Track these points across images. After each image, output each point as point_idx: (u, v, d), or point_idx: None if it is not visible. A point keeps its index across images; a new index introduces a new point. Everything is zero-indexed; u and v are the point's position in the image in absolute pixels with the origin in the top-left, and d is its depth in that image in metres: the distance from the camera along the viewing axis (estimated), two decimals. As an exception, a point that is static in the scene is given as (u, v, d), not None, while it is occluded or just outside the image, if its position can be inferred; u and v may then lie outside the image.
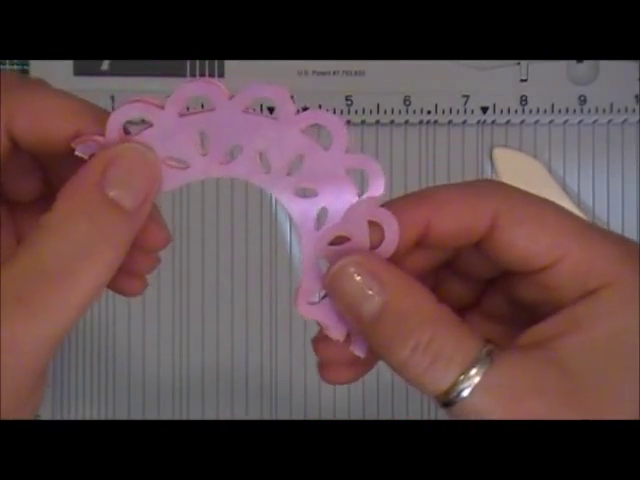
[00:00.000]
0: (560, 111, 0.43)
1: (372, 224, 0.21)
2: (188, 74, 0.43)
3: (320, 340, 0.23)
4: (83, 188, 0.20)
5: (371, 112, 0.43)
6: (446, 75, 0.43)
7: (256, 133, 0.21)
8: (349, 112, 0.43)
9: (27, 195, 0.24)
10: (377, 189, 0.21)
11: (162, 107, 0.21)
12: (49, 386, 0.43)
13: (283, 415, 0.43)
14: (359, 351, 0.22)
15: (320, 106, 0.43)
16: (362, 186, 0.22)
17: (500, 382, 0.19)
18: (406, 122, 0.44)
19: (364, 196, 0.21)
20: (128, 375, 0.43)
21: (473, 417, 0.19)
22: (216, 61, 0.43)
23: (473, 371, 0.19)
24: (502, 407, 0.19)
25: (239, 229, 0.44)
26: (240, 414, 0.43)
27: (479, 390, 0.19)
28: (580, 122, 0.44)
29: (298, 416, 0.42)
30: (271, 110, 0.43)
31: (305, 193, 0.21)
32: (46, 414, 0.42)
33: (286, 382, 0.42)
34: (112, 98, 0.43)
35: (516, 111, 0.43)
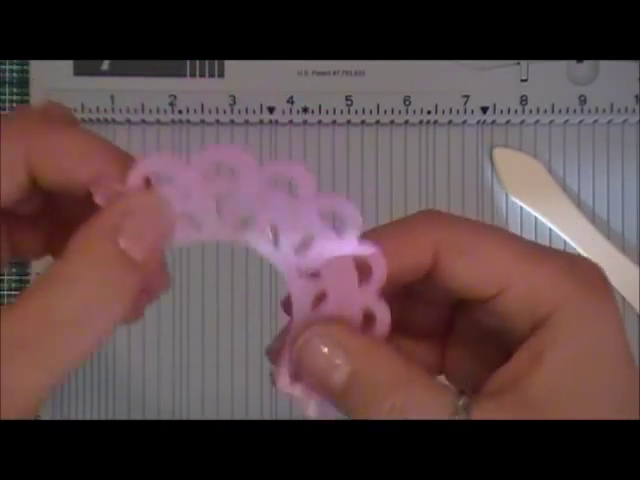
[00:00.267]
0: (560, 111, 0.43)
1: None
2: (188, 74, 0.43)
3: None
4: (97, 240, 0.20)
5: (371, 112, 0.43)
6: (446, 75, 0.43)
7: (273, 206, 0.21)
8: (349, 112, 0.43)
9: (26, 211, 0.24)
10: (380, 280, 0.21)
11: (186, 164, 0.21)
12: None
13: (283, 415, 0.43)
14: (330, 414, 0.21)
15: (320, 106, 0.43)
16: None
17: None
18: (406, 122, 0.44)
19: (365, 285, 0.21)
20: (128, 375, 0.43)
21: None
22: (216, 61, 0.43)
23: None
24: None
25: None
26: (240, 414, 0.43)
27: None
28: (580, 122, 0.44)
29: (298, 416, 0.42)
30: (271, 110, 0.43)
31: (308, 272, 0.22)
32: (46, 414, 0.42)
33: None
34: (112, 98, 0.43)
35: (516, 111, 0.43)
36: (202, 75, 0.43)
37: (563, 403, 0.20)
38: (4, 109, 0.43)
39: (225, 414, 0.43)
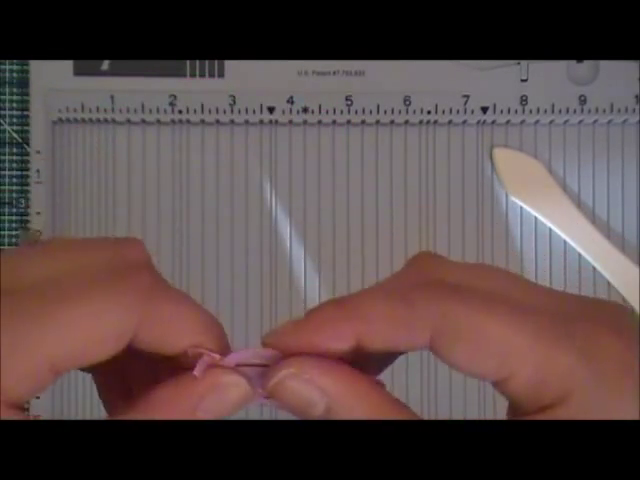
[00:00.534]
0: (560, 111, 0.43)
1: None
2: (188, 74, 0.43)
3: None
4: (178, 404, 0.20)
5: (371, 112, 0.43)
6: (446, 75, 0.43)
7: None
8: (349, 112, 0.43)
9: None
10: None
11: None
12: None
13: (283, 415, 0.43)
14: None
15: (320, 106, 0.43)
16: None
17: None
18: (406, 122, 0.44)
19: None
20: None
21: None
22: (216, 61, 0.43)
23: None
24: None
25: (239, 229, 0.44)
26: (240, 414, 0.43)
27: None
28: (580, 122, 0.44)
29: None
30: (271, 110, 0.43)
31: None
32: (46, 414, 0.42)
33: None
34: (112, 98, 0.43)
35: (516, 111, 0.43)
36: (202, 75, 0.43)
37: None
38: (4, 109, 0.43)
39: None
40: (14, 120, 0.43)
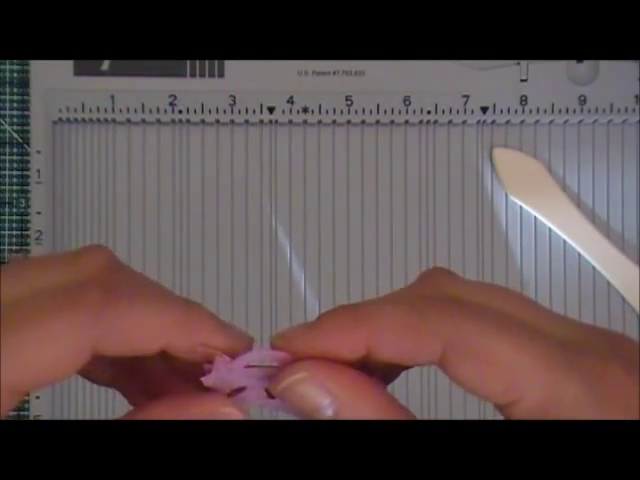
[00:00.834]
0: (560, 111, 0.43)
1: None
2: (188, 74, 0.43)
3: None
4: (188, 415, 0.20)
5: (371, 112, 0.43)
6: (446, 75, 0.43)
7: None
8: (349, 112, 0.43)
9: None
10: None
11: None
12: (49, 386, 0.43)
13: (283, 415, 0.43)
14: None
15: (320, 106, 0.43)
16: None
17: None
18: (406, 122, 0.44)
19: None
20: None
21: None
22: (216, 61, 0.43)
23: None
24: None
25: (239, 228, 0.44)
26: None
27: None
28: (580, 122, 0.44)
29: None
30: (271, 110, 0.43)
31: None
32: (46, 414, 0.42)
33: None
34: (112, 98, 0.43)
35: (516, 111, 0.43)
36: (202, 75, 0.43)
37: None
38: (4, 109, 0.43)
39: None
40: (14, 120, 0.43)
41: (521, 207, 0.44)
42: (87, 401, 0.43)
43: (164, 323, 0.20)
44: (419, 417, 0.21)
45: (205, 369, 0.21)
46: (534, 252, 0.44)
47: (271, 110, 0.43)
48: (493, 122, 0.44)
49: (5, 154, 0.43)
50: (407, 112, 0.43)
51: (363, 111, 0.43)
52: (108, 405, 0.43)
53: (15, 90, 0.43)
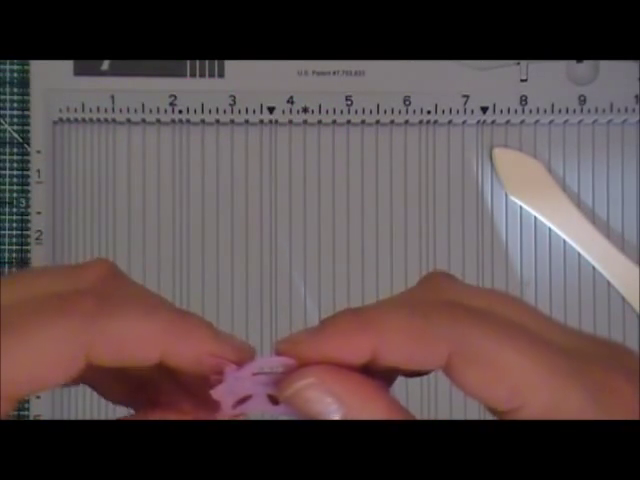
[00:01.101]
0: (560, 111, 0.43)
1: None
2: (188, 74, 0.43)
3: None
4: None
5: (371, 112, 0.43)
6: (446, 75, 0.43)
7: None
8: (349, 112, 0.43)
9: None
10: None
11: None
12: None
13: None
14: None
15: (320, 106, 0.43)
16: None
17: None
18: (406, 122, 0.44)
19: None
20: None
21: None
22: (216, 61, 0.43)
23: None
24: None
25: (239, 228, 0.44)
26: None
27: None
28: (580, 122, 0.44)
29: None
30: (271, 110, 0.43)
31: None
32: (46, 414, 0.42)
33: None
34: (112, 98, 0.43)
35: (516, 111, 0.43)
36: (202, 75, 0.43)
37: None
38: (4, 109, 0.43)
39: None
40: (14, 120, 0.43)
41: (521, 207, 0.44)
42: (87, 401, 0.43)
43: (159, 333, 0.20)
44: (419, 417, 0.21)
45: (212, 380, 0.21)
46: (534, 252, 0.44)
47: (271, 110, 0.43)
48: (493, 122, 0.44)
49: (5, 154, 0.43)
50: (407, 112, 0.43)
51: (363, 111, 0.43)
52: (108, 405, 0.43)
53: (15, 90, 0.43)
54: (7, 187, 0.44)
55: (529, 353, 0.19)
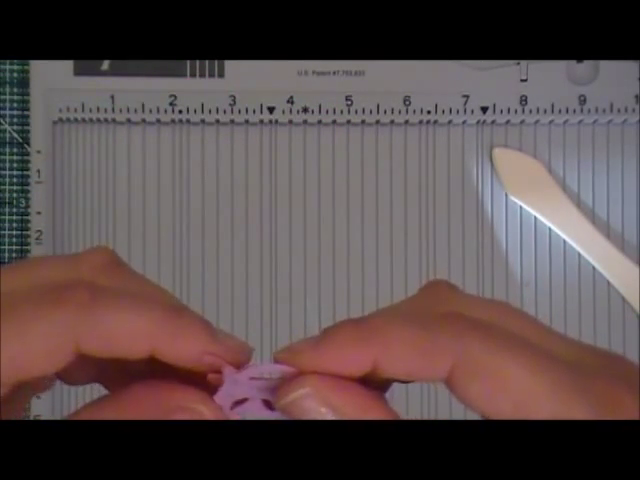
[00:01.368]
0: (560, 111, 0.43)
1: None
2: (188, 74, 0.43)
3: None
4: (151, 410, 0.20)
5: (371, 112, 0.43)
6: (446, 75, 0.43)
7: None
8: (349, 112, 0.43)
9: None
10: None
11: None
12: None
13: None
14: None
15: (320, 106, 0.43)
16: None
17: None
18: (406, 122, 0.44)
19: None
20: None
21: None
22: (216, 61, 0.43)
23: None
24: None
25: (239, 228, 0.44)
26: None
27: None
28: (580, 122, 0.44)
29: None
30: (271, 110, 0.43)
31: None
32: (46, 414, 0.42)
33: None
34: (112, 98, 0.43)
35: (516, 111, 0.43)
36: (202, 75, 0.43)
37: None
38: (4, 109, 0.43)
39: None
40: (14, 120, 0.44)
41: (521, 207, 0.44)
42: (87, 401, 0.43)
43: (150, 327, 0.20)
44: (419, 417, 0.21)
45: (210, 379, 0.21)
46: (534, 252, 0.44)
47: (271, 110, 0.43)
48: (493, 122, 0.44)
49: (5, 154, 0.43)
50: (407, 112, 0.43)
51: (363, 111, 0.43)
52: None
53: (15, 90, 0.43)
54: (7, 187, 0.44)
55: (532, 367, 0.19)
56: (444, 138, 0.44)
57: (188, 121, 0.43)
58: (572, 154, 0.44)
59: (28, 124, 0.43)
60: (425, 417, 0.42)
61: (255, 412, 0.21)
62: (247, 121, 0.43)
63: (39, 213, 0.43)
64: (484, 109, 0.43)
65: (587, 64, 0.43)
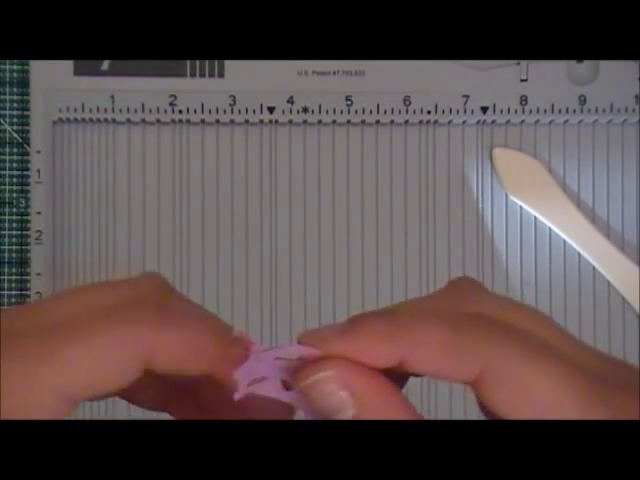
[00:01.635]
0: (560, 111, 0.43)
1: None
2: (188, 74, 0.43)
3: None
4: None
5: (371, 112, 0.43)
6: (446, 75, 0.43)
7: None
8: (349, 112, 0.43)
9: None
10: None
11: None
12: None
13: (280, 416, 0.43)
14: None
15: (320, 106, 0.43)
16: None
17: None
18: (406, 122, 0.44)
19: None
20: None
21: None
22: (216, 61, 0.43)
23: None
24: None
25: (239, 228, 0.44)
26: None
27: None
28: (580, 122, 0.44)
29: (298, 416, 0.42)
30: (271, 110, 0.43)
31: None
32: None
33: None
34: (112, 98, 0.43)
35: (516, 111, 0.43)
36: (202, 75, 0.43)
37: None
38: (4, 109, 0.43)
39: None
40: (14, 120, 0.43)
41: (521, 207, 0.44)
42: (87, 401, 0.43)
43: (211, 344, 0.21)
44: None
45: (236, 355, 0.21)
46: (534, 252, 0.44)
47: (271, 110, 0.43)
48: (493, 122, 0.44)
49: (5, 154, 0.43)
50: (407, 112, 0.43)
51: (363, 111, 0.43)
52: (108, 405, 0.43)
53: (15, 90, 0.43)
54: (7, 187, 0.44)
55: (558, 376, 0.19)
56: (444, 138, 0.44)
57: (188, 121, 0.43)
58: (572, 154, 0.44)
59: (28, 124, 0.43)
60: (425, 417, 0.42)
61: (272, 392, 0.21)
62: (247, 121, 0.43)
63: (39, 213, 0.43)
64: (484, 109, 0.43)
65: (587, 64, 0.43)
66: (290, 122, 0.43)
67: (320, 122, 0.43)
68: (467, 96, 0.43)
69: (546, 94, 0.43)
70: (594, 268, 0.44)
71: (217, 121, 0.43)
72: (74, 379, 0.19)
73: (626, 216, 0.44)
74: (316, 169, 0.44)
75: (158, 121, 0.43)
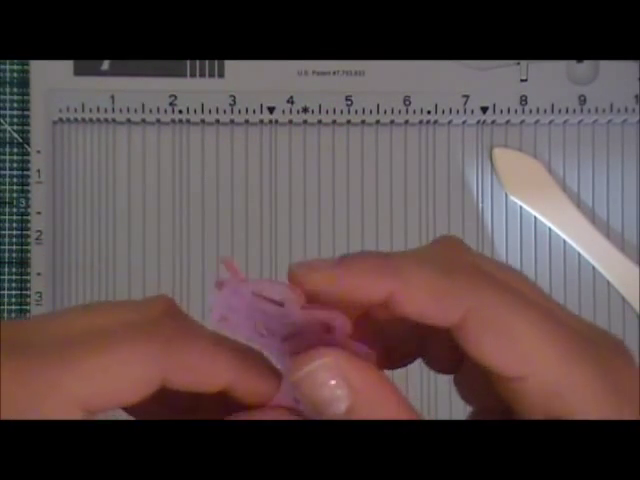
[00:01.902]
0: (560, 111, 0.43)
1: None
2: (188, 74, 0.43)
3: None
4: None
5: (371, 112, 0.43)
6: (446, 75, 0.43)
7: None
8: (349, 112, 0.43)
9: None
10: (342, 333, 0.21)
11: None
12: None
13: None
14: None
15: (320, 106, 0.43)
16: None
17: None
18: (406, 122, 0.44)
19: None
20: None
21: None
22: (216, 61, 0.43)
23: None
24: None
25: (239, 228, 0.44)
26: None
27: None
28: (580, 122, 0.44)
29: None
30: (271, 110, 0.43)
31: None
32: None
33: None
34: (112, 98, 0.43)
35: (516, 111, 0.43)
36: (202, 75, 0.43)
37: None
38: (4, 109, 0.43)
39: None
40: (14, 120, 0.44)
41: (521, 207, 0.44)
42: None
43: (228, 361, 0.21)
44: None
45: (216, 284, 0.21)
46: (534, 252, 0.44)
47: (271, 110, 0.43)
48: (493, 122, 0.44)
49: (5, 154, 0.44)
50: (407, 112, 0.43)
51: (363, 111, 0.43)
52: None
53: (15, 90, 0.43)
54: (7, 187, 0.44)
55: (543, 326, 0.19)
56: (444, 138, 0.44)
57: (188, 121, 0.43)
58: (572, 154, 0.44)
59: (28, 124, 0.43)
60: (425, 417, 0.42)
61: (244, 332, 0.21)
62: (247, 121, 0.43)
63: (39, 213, 0.43)
64: (484, 109, 0.43)
65: (587, 64, 0.43)
66: (290, 122, 0.43)
67: (320, 122, 0.43)
68: (467, 96, 0.43)
69: (546, 94, 0.43)
70: (594, 268, 0.44)
71: (217, 121, 0.43)
72: (93, 389, 0.20)
73: (626, 216, 0.44)
74: (316, 169, 0.44)
75: (158, 121, 0.43)
